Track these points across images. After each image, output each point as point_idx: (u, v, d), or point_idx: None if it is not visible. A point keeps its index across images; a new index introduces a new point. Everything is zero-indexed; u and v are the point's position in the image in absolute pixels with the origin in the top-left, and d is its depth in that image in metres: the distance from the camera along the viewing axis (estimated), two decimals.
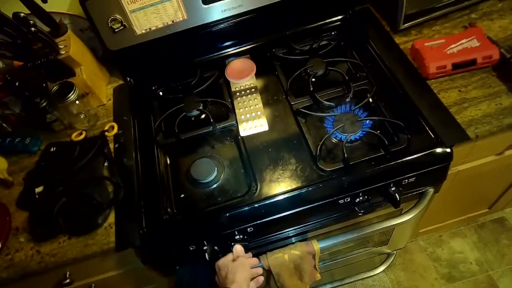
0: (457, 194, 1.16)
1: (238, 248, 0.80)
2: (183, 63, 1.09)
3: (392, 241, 1.21)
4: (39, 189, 0.88)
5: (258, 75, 1.04)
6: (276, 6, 1.00)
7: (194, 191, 0.86)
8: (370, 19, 1.10)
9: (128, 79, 1.09)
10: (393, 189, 0.82)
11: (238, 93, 1.01)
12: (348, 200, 0.82)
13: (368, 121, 0.86)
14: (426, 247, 1.60)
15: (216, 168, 0.85)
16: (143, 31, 0.98)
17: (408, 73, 0.94)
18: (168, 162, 0.93)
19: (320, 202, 0.81)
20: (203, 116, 0.98)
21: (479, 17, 1.02)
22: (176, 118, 0.94)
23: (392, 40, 1.02)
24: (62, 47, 0.93)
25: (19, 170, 0.95)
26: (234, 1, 0.97)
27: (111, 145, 0.96)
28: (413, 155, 0.80)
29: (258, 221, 0.80)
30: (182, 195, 0.86)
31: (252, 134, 0.92)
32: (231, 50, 1.10)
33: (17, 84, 0.93)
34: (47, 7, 0.89)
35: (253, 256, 0.82)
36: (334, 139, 0.87)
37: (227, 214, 0.79)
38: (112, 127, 0.99)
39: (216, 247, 0.82)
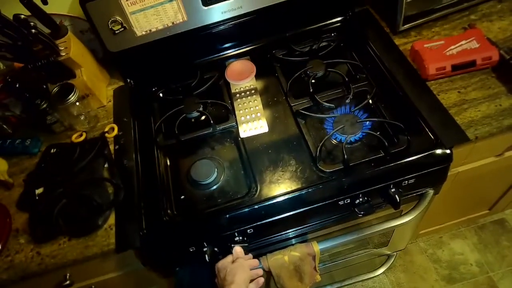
0: (457, 196, 1.16)
1: (237, 249, 0.79)
2: (183, 64, 1.10)
3: (392, 242, 1.20)
4: (39, 191, 0.88)
5: (258, 76, 1.04)
6: (276, 8, 1.00)
7: (194, 192, 0.86)
8: (370, 21, 1.10)
9: (128, 80, 1.10)
10: (393, 190, 0.82)
11: (238, 95, 1.01)
12: (348, 201, 0.82)
13: (368, 122, 0.87)
14: (426, 248, 1.60)
15: (216, 170, 0.85)
16: (143, 33, 0.98)
17: (408, 75, 0.94)
18: (168, 163, 0.93)
19: (320, 204, 0.81)
20: (203, 117, 0.98)
21: (479, 19, 1.02)
22: (176, 120, 0.94)
23: (391, 42, 1.02)
24: (62, 48, 0.93)
25: (19, 172, 0.95)
26: (234, 3, 0.97)
27: (111, 147, 0.96)
28: (413, 156, 0.80)
29: (258, 223, 0.80)
30: (182, 197, 0.86)
31: (252, 136, 0.92)
32: (231, 52, 1.10)
33: (17, 85, 0.93)
34: (47, 9, 0.90)
35: (253, 258, 0.82)
36: (334, 140, 0.87)
37: (227, 216, 0.79)
38: (112, 129, 0.99)
39: (216, 249, 0.82)
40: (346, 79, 0.95)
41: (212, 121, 0.94)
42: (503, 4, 1.04)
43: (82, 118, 0.99)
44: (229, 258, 0.78)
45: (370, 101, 0.91)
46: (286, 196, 0.80)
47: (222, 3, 0.96)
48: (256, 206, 0.79)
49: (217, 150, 0.93)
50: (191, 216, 0.82)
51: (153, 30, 0.98)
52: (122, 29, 0.95)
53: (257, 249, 0.88)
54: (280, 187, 0.81)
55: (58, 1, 0.97)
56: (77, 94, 0.94)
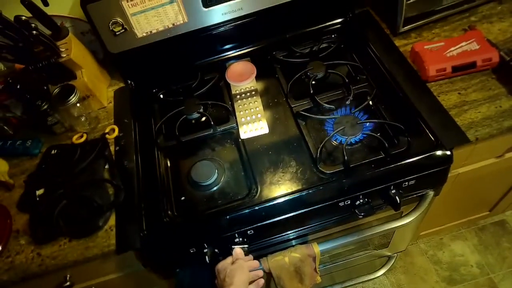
0: (457, 197, 1.16)
1: (237, 251, 0.79)
2: (184, 66, 1.10)
3: (392, 244, 1.20)
4: (39, 192, 0.88)
5: (258, 78, 1.04)
6: (276, 9, 1.01)
7: (194, 193, 0.86)
8: (370, 22, 1.10)
9: (129, 81, 1.10)
10: (393, 191, 0.82)
11: (238, 96, 1.01)
12: (348, 202, 0.82)
13: (368, 123, 0.87)
14: (426, 250, 1.60)
15: (216, 171, 0.85)
16: (144, 34, 0.98)
17: (408, 76, 0.94)
18: (169, 164, 0.93)
19: (321, 205, 0.81)
20: (203, 118, 0.98)
21: (479, 20, 1.02)
22: (177, 121, 0.95)
23: (392, 43, 1.03)
24: (63, 50, 0.93)
25: (20, 173, 0.95)
26: (235, 4, 0.97)
27: (112, 148, 0.96)
28: (413, 157, 0.80)
29: (259, 224, 0.80)
30: (183, 198, 0.86)
31: (252, 137, 0.92)
32: (231, 53, 1.11)
33: (18, 87, 0.93)
34: (48, 10, 0.90)
35: (254, 259, 0.82)
36: (334, 141, 0.87)
37: (228, 217, 0.79)
38: (113, 130, 0.99)
39: (216, 250, 0.82)
40: (347, 80, 0.95)
41: (212, 122, 0.94)
42: (503, 6, 1.04)
43: (82, 119, 0.99)
44: (229, 259, 0.78)
45: (371, 102, 0.91)
46: (287, 198, 0.80)
47: (222, 5, 0.96)
48: (256, 208, 0.79)
49: (217, 151, 0.93)
50: (192, 217, 0.82)
51: (154, 31, 0.98)
52: (123, 30, 0.96)
53: (257, 250, 0.87)
54: (280, 188, 0.81)
55: (59, 3, 0.97)
56: (78, 95, 0.95)
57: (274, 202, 0.79)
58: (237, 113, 0.97)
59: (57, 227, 0.81)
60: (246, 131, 0.93)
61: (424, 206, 0.90)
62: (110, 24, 0.94)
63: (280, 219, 0.81)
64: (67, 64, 0.94)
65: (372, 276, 1.41)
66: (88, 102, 1.00)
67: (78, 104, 0.95)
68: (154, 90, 1.08)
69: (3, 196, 0.92)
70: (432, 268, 1.55)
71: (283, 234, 0.87)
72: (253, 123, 0.94)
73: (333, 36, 1.10)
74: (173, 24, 0.98)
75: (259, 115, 0.95)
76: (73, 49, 0.94)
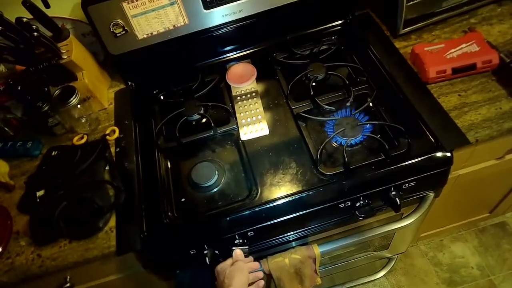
0: (457, 199, 1.16)
1: (237, 252, 0.79)
2: (184, 67, 1.10)
3: (392, 245, 1.20)
4: (40, 193, 0.88)
5: (258, 79, 1.04)
6: (277, 11, 1.01)
7: (194, 195, 0.86)
8: (370, 24, 1.10)
9: (130, 83, 1.10)
10: (393, 193, 0.82)
11: (239, 97, 1.01)
12: (349, 204, 0.82)
13: (368, 125, 0.87)
14: (427, 251, 1.59)
15: (216, 172, 0.85)
16: (145, 36, 0.98)
17: (408, 78, 0.94)
18: (169, 166, 0.93)
19: (321, 206, 0.81)
20: (204, 120, 0.99)
21: (479, 22, 1.02)
22: (177, 122, 0.95)
23: (392, 45, 1.03)
24: (64, 51, 0.93)
25: (20, 174, 0.95)
26: (235, 6, 0.97)
27: (112, 149, 0.96)
28: (414, 159, 0.80)
29: (259, 225, 0.80)
30: (183, 199, 0.86)
31: (252, 138, 0.92)
32: (232, 55, 1.11)
33: (19, 88, 0.93)
34: (49, 12, 0.90)
35: (254, 260, 0.82)
36: (335, 143, 0.87)
37: (228, 218, 0.79)
38: (114, 131, 0.99)
39: (216, 251, 0.82)
40: (347, 82, 0.95)
41: (213, 124, 0.94)
42: (503, 8, 1.04)
43: (83, 121, 0.99)
44: (228, 261, 0.78)
45: (371, 104, 0.91)
46: (287, 199, 0.80)
47: (223, 7, 0.97)
48: (256, 209, 0.79)
49: (218, 152, 0.93)
50: (192, 218, 0.82)
51: (155, 33, 0.98)
52: (124, 32, 0.96)
53: (257, 252, 0.87)
54: (280, 189, 0.81)
55: (60, 4, 0.97)
56: (79, 96, 0.95)
57: (275, 203, 0.79)
58: (237, 115, 0.97)
59: (58, 229, 0.81)
60: (247, 133, 0.93)
61: (424, 208, 0.90)
62: (110, 25, 0.94)
63: (281, 221, 0.81)
64: (67, 65, 0.95)
65: (372, 278, 1.41)
66: (88, 104, 1.00)
67: (78, 106, 0.95)
68: (154, 92, 1.09)
69: (4, 197, 0.92)
70: (433, 270, 1.55)
71: (283, 235, 0.87)
72: (253, 125, 0.94)
73: (333, 38, 1.11)
74: (174, 26, 0.98)
75: (259, 117, 0.95)
76: (74, 51, 0.95)
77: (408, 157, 0.81)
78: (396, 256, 1.35)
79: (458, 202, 1.21)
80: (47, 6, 0.90)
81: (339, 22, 1.11)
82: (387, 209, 0.89)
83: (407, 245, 1.29)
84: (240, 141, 0.92)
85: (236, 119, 0.96)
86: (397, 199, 0.81)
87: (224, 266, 0.76)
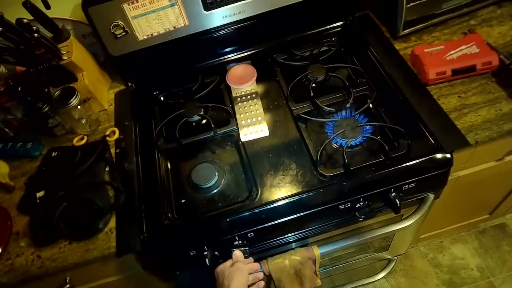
0: (457, 200, 1.16)
1: (237, 253, 0.79)
2: (185, 68, 1.10)
3: (392, 247, 1.20)
4: (40, 194, 0.88)
5: (259, 80, 1.04)
6: (277, 13, 1.01)
7: (194, 196, 0.86)
8: (370, 25, 1.10)
9: (130, 84, 1.10)
10: (393, 194, 0.82)
11: (239, 99, 1.01)
12: (349, 205, 0.82)
13: (368, 126, 0.87)
14: (427, 253, 1.59)
15: (216, 173, 0.85)
16: (145, 37, 0.99)
17: (408, 79, 0.94)
18: (169, 167, 0.93)
19: (321, 208, 0.81)
20: (204, 121, 0.99)
21: (479, 24, 1.02)
22: (177, 123, 0.95)
23: (392, 46, 1.03)
24: (64, 52, 0.94)
25: (21, 175, 0.95)
26: (236, 8, 0.98)
27: (112, 150, 0.96)
28: (413, 160, 0.80)
29: (259, 226, 0.80)
30: (183, 200, 0.86)
31: (252, 139, 0.92)
32: (232, 56, 1.11)
33: (19, 89, 0.93)
34: (49, 13, 0.90)
35: (254, 262, 0.82)
36: (335, 144, 0.87)
37: (228, 219, 0.79)
38: (114, 132, 0.99)
39: (216, 252, 0.82)
40: (347, 83, 0.95)
41: (213, 125, 0.94)
42: (503, 9, 1.04)
43: (83, 122, 0.99)
44: (228, 262, 0.78)
45: (371, 105, 0.91)
46: (287, 200, 0.80)
47: (223, 8, 0.97)
48: (256, 210, 0.79)
49: (218, 153, 0.93)
50: (192, 219, 0.82)
51: (155, 34, 0.98)
52: (124, 33, 0.96)
53: (257, 253, 0.87)
54: (280, 191, 0.81)
55: (61, 6, 0.97)
56: (79, 97, 0.95)
57: (275, 204, 0.80)
58: (237, 116, 0.97)
59: (58, 229, 0.81)
60: (247, 134, 0.93)
61: (424, 209, 0.90)
62: (111, 26, 0.94)
63: (281, 222, 0.81)
64: (68, 66, 0.95)
65: (372, 279, 1.41)
66: (89, 105, 1.00)
67: (79, 107, 0.95)
68: (154, 93, 1.09)
69: (4, 198, 0.92)
70: (432, 271, 1.55)
71: (283, 236, 0.87)
72: (253, 126, 0.94)
73: (333, 39, 1.11)
74: (174, 27, 0.98)
75: (259, 118, 0.95)
76: (74, 52, 0.95)
77: (408, 159, 0.81)
78: (396, 257, 1.35)
79: (458, 203, 1.21)
80: (48, 7, 0.90)
81: (339, 23, 1.12)
82: (387, 210, 0.89)
83: (407, 247, 1.29)
84: (240, 142, 0.92)
85: (236, 120, 0.96)
86: (397, 200, 0.81)
87: (223, 267, 0.76)
